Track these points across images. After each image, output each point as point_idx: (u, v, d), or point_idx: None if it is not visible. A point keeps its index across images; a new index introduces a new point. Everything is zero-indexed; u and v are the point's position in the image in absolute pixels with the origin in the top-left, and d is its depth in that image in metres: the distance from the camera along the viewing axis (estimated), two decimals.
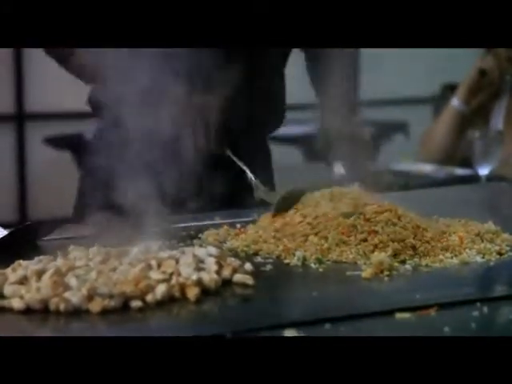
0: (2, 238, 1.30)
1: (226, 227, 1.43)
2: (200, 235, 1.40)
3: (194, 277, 1.10)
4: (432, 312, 1.03)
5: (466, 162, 2.38)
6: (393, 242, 1.25)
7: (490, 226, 1.39)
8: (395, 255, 1.24)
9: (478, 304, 1.05)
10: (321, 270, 1.22)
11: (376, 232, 1.26)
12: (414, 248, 1.26)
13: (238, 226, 1.44)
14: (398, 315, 1.01)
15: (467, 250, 1.27)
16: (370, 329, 1.00)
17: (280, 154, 4.26)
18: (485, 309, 1.03)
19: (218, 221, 1.49)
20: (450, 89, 3.01)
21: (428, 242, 1.28)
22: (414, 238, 1.27)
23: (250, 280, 1.15)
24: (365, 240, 1.26)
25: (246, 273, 1.17)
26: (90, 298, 1.04)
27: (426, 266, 1.23)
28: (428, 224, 1.34)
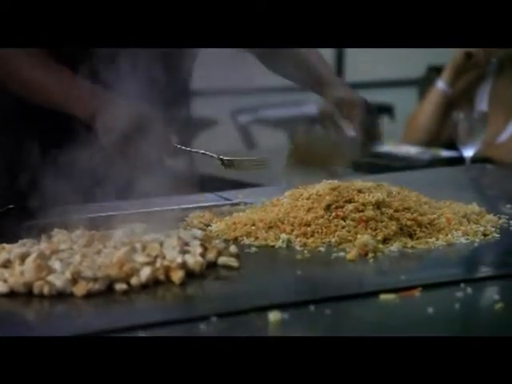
0: None
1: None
2: (185, 218, 1.40)
3: (179, 259, 1.10)
4: (416, 293, 1.03)
5: (451, 144, 2.39)
6: (386, 228, 1.25)
7: (474, 207, 1.39)
8: (385, 240, 1.24)
9: (462, 285, 1.05)
10: (306, 252, 1.22)
11: (366, 221, 1.26)
12: (411, 235, 1.26)
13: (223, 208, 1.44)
14: (383, 296, 1.01)
15: (453, 232, 1.28)
16: (354, 310, 1.00)
17: (266, 136, 4.27)
18: (469, 289, 1.03)
19: (202, 203, 1.49)
20: (435, 71, 3.01)
21: (426, 227, 1.28)
22: (413, 225, 1.27)
23: (234, 262, 1.15)
24: (354, 227, 1.26)
25: (231, 255, 1.17)
26: (74, 281, 1.04)
27: (412, 247, 1.23)
28: (424, 208, 1.34)
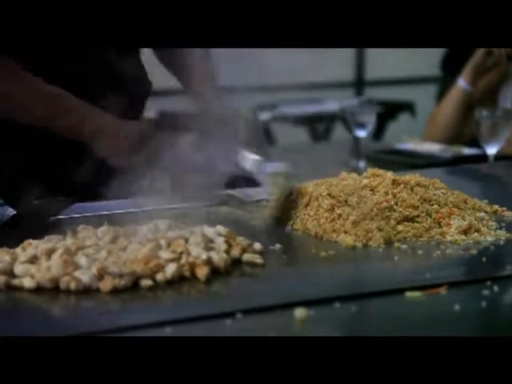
0: (11, 217, 1.30)
1: None
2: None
3: (204, 256, 1.10)
4: (442, 291, 1.03)
5: (474, 142, 2.38)
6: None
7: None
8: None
9: (488, 283, 1.05)
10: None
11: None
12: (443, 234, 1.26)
13: None
14: (409, 294, 1.01)
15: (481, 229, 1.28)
16: (379, 307, 1.00)
17: (286, 133, 4.27)
18: (495, 287, 1.03)
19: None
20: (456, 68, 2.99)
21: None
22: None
23: (259, 259, 1.15)
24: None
25: (255, 252, 1.17)
26: (100, 276, 1.04)
27: (438, 244, 1.23)
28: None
